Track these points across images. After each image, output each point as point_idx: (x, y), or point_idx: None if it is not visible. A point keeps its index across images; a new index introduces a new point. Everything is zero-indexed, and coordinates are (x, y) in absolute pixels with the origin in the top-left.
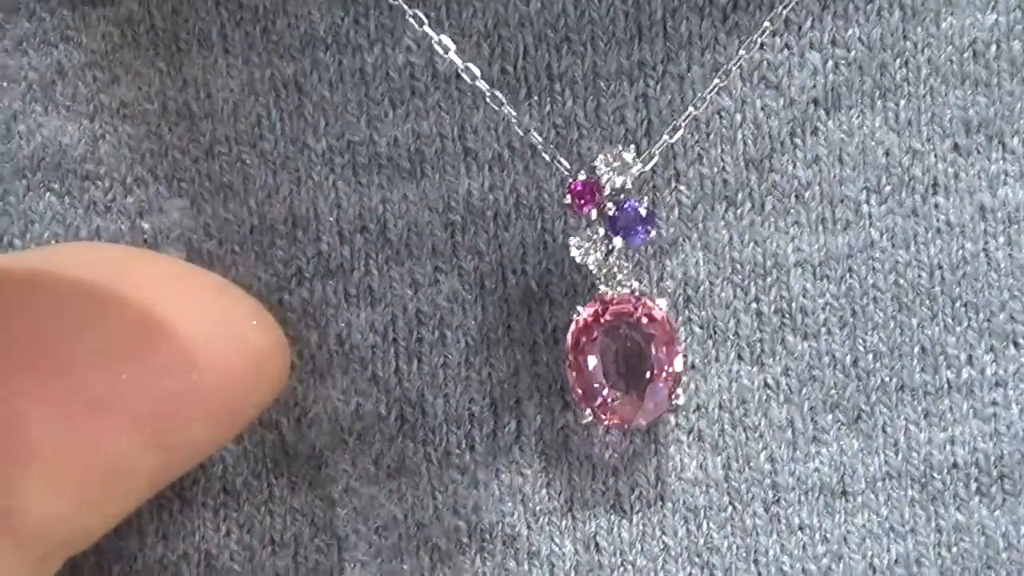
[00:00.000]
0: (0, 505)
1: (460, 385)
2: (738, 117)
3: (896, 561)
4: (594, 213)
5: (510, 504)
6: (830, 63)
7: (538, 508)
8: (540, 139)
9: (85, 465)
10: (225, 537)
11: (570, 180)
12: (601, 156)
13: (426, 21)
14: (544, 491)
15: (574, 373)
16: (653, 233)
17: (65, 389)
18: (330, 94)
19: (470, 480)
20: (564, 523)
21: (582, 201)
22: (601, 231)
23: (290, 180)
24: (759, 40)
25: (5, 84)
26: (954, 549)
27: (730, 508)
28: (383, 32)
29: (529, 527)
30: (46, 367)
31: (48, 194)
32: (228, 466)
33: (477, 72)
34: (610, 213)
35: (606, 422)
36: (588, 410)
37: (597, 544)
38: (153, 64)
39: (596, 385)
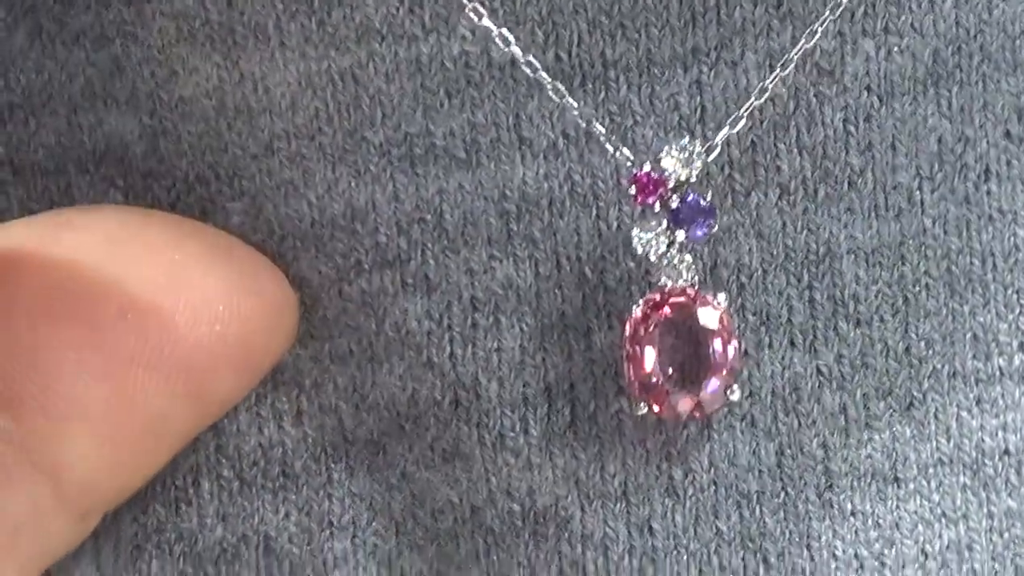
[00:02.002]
0: (47, 461)
1: (514, 370)
2: (791, 104)
3: (948, 547)
4: (657, 205)
5: (564, 488)
6: (883, 50)
7: (592, 492)
8: (603, 129)
9: (124, 419)
10: (284, 520)
11: (635, 171)
12: (667, 148)
13: (485, 13)
14: (598, 475)
15: (631, 365)
16: (715, 228)
17: (99, 344)
18: (386, 85)
19: (524, 463)
20: (618, 507)
21: (646, 193)
22: (664, 223)
23: (349, 173)
24: (812, 28)
25: (64, 78)
26: (1006, 535)
27: (783, 494)
28: (438, 21)
29: (583, 510)
30: (79, 324)
31: (112, 190)
32: (288, 450)
33: (538, 64)
34: (673, 206)
35: (661, 415)
36: (643, 403)
37: (651, 528)
38: (210, 59)
39: (653, 378)
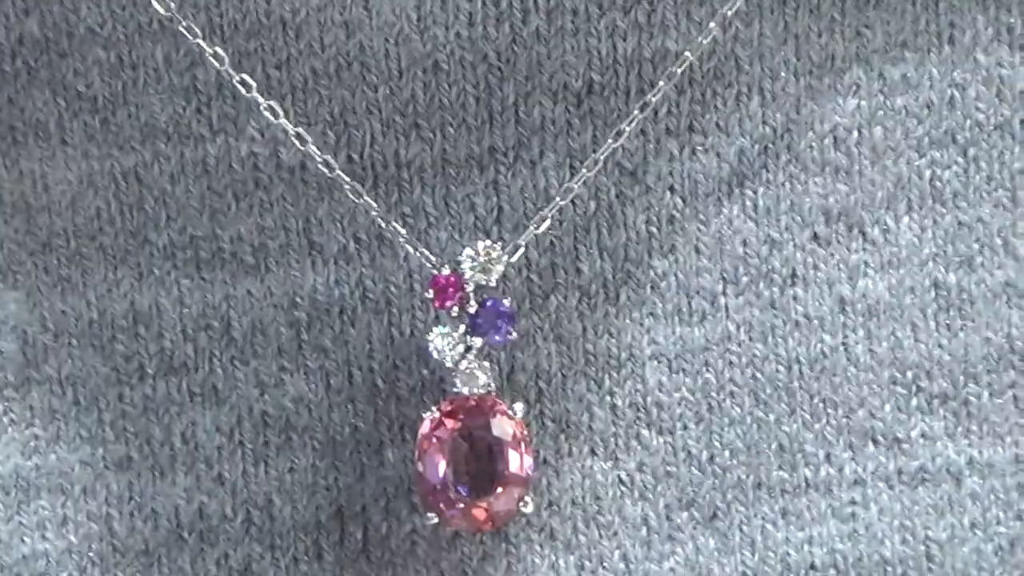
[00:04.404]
0: None
1: (307, 491)
2: (592, 205)
3: None
4: (455, 309)
5: None
6: (687, 150)
7: None
8: (402, 231)
9: None
10: None
11: (433, 273)
12: (467, 250)
13: (281, 113)
14: None
15: (421, 474)
16: (515, 333)
17: None
18: (171, 187)
19: None
20: None
21: (445, 296)
22: (461, 328)
23: (131, 275)
24: (617, 129)
25: None
26: None
27: None
28: (226, 122)
29: None
30: None
31: None
32: (51, 561)
33: (335, 164)
34: (471, 310)
35: (452, 525)
36: (432, 513)
37: None
38: None
39: (443, 488)
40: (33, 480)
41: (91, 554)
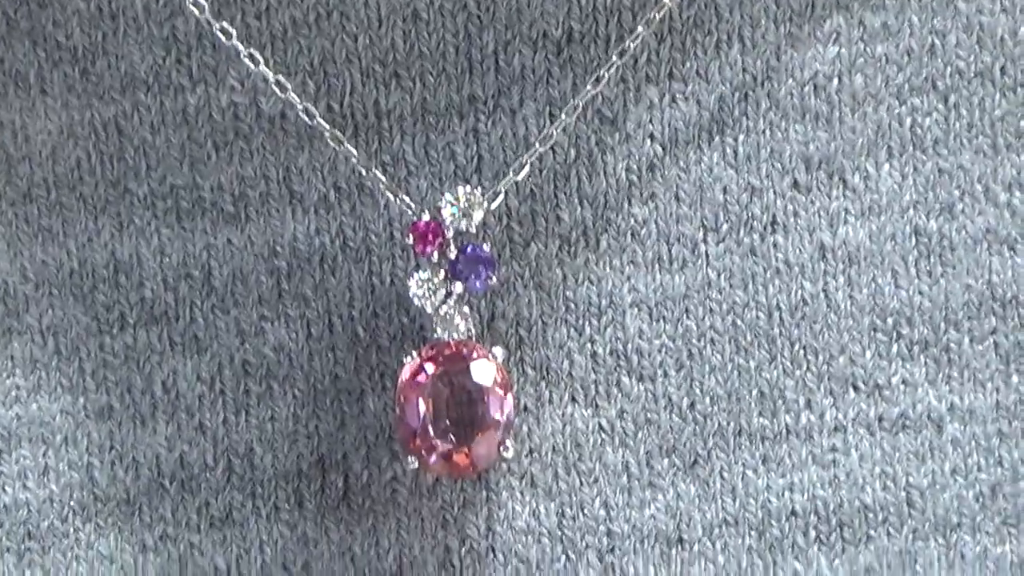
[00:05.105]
0: None
1: (287, 440)
2: (572, 153)
3: None
4: (435, 255)
5: (340, 563)
6: (667, 97)
7: (367, 568)
8: (383, 178)
9: None
10: None
11: (413, 219)
12: (447, 195)
13: (261, 61)
14: (372, 550)
15: (401, 419)
16: (495, 279)
17: None
18: (152, 137)
19: (299, 537)
20: None
21: (425, 242)
22: (442, 274)
23: (112, 225)
24: (596, 75)
25: None
26: None
27: (563, 559)
28: (206, 71)
29: None
30: None
31: None
32: (32, 510)
33: (315, 111)
34: (452, 256)
35: (433, 471)
36: (413, 457)
37: None
38: None
39: (423, 432)
40: (14, 429)
41: (72, 503)
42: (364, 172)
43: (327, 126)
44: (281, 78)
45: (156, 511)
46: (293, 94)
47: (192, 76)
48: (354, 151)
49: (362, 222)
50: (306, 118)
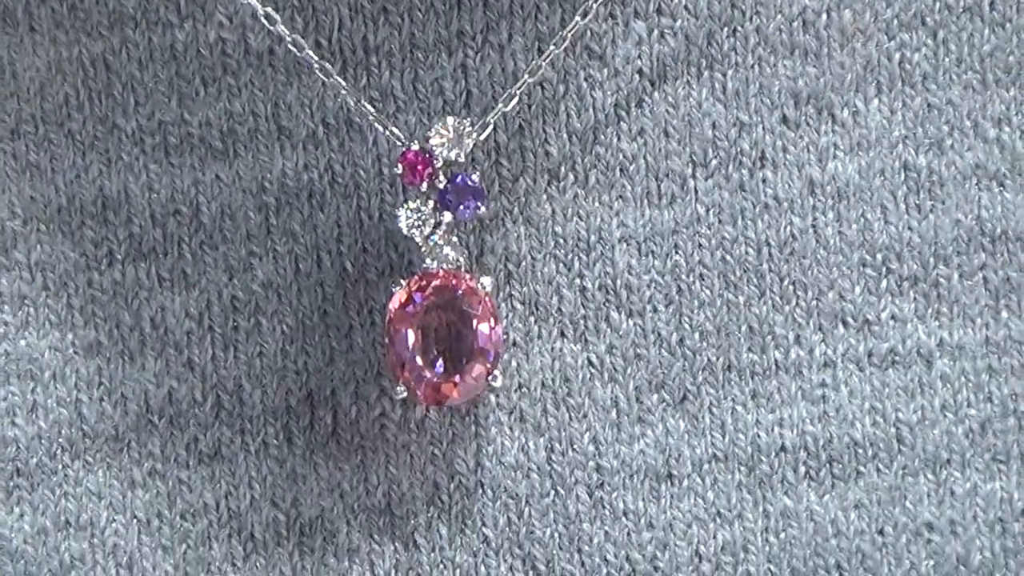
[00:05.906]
0: None
1: (276, 376)
2: (561, 88)
3: (723, 548)
4: (424, 185)
5: (329, 499)
6: (655, 32)
7: (356, 504)
8: (372, 110)
9: None
10: (18, 520)
11: (403, 150)
12: (436, 126)
13: None
14: (361, 487)
15: (390, 347)
16: (483, 208)
17: None
18: (140, 73)
19: (288, 473)
20: (382, 520)
21: (415, 172)
22: (431, 204)
23: (100, 161)
24: (584, 7)
25: None
26: (782, 535)
27: (552, 494)
28: (194, 7)
29: (348, 524)
30: None
31: None
32: (21, 447)
33: (304, 44)
34: (441, 185)
35: (422, 399)
36: (402, 386)
37: (415, 542)
38: None
39: (412, 360)
40: (2, 366)
41: (61, 439)
42: (353, 105)
43: (315, 58)
44: (270, 10)
45: (144, 447)
46: (282, 26)
47: (180, 11)
48: (343, 82)
49: (351, 157)
50: (295, 50)
